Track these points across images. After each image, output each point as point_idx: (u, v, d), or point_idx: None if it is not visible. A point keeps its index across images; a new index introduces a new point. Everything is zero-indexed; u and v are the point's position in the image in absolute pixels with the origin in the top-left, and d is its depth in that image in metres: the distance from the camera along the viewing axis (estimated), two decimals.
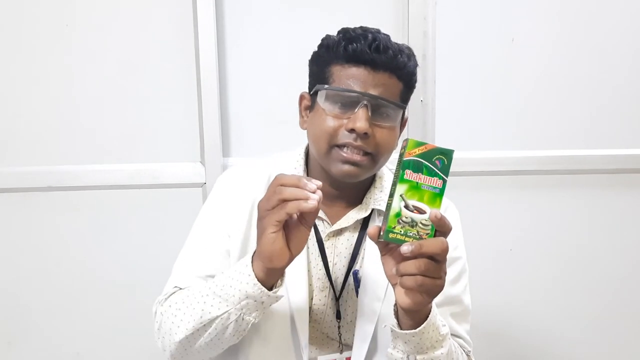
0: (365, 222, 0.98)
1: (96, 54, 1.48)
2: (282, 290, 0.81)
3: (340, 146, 0.89)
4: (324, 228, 0.97)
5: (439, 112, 1.54)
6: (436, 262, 0.73)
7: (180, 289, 0.92)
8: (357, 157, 0.88)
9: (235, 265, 0.82)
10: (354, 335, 0.95)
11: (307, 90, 0.97)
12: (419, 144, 0.74)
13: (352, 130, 0.87)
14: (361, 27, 0.91)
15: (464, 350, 0.97)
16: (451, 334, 0.92)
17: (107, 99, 1.50)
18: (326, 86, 0.90)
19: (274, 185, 0.75)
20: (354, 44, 0.87)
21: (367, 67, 0.87)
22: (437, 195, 0.74)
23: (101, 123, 1.51)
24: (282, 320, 0.93)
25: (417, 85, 0.97)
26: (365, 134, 0.86)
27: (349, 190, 0.97)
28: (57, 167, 1.50)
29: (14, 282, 1.55)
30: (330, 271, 0.96)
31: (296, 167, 0.99)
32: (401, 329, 0.80)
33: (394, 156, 0.82)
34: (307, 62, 0.96)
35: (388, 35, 0.91)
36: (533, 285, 1.64)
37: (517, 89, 1.56)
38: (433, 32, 1.50)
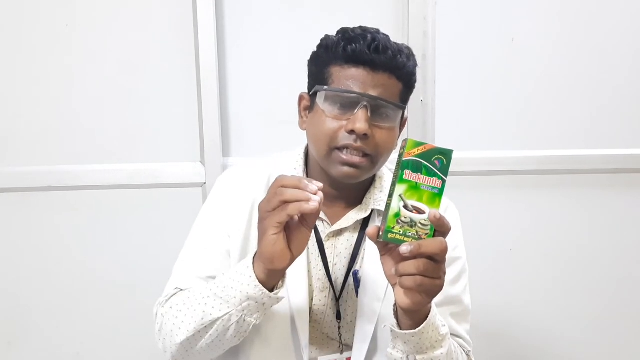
0: (365, 223, 0.98)
1: (96, 54, 1.48)
2: (282, 291, 0.81)
3: (340, 148, 0.88)
4: (324, 228, 0.97)
5: (439, 112, 1.54)
6: (435, 262, 0.73)
7: (181, 290, 0.92)
8: (356, 159, 0.88)
9: (236, 267, 0.82)
10: (354, 335, 0.95)
11: (307, 91, 0.97)
12: (418, 144, 0.74)
13: (351, 132, 0.87)
14: (360, 27, 0.91)
15: (463, 350, 0.97)
16: (451, 334, 0.92)
17: (107, 99, 1.50)
18: (325, 87, 0.89)
19: (274, 186, 0.75)
20: (353, 45, 0.87)
21: (366, 67, 0.87)
22: (437, 195, 0.74)
23: (101, 123, 1.51)
24: (283, 320, 0.93)
25: (417, 85, 0.97)
26: (365, 135, 0.86)
27: (348, 191, 0.97)
28: (57, 167, 1.50)
29: (14, 282, 1.55)
30: (330, 271, 0.96)
31: (296, 167, 0.99)
32: (401, 329, 0.80)
33: (394, 156, 0.81)
34: (307, 62, 0.96)
35: (387, 36, 0.90)
36: (533, 285, 1.64)
37: (517, 89, 1.56)
38: (433, 32, 1.50)
